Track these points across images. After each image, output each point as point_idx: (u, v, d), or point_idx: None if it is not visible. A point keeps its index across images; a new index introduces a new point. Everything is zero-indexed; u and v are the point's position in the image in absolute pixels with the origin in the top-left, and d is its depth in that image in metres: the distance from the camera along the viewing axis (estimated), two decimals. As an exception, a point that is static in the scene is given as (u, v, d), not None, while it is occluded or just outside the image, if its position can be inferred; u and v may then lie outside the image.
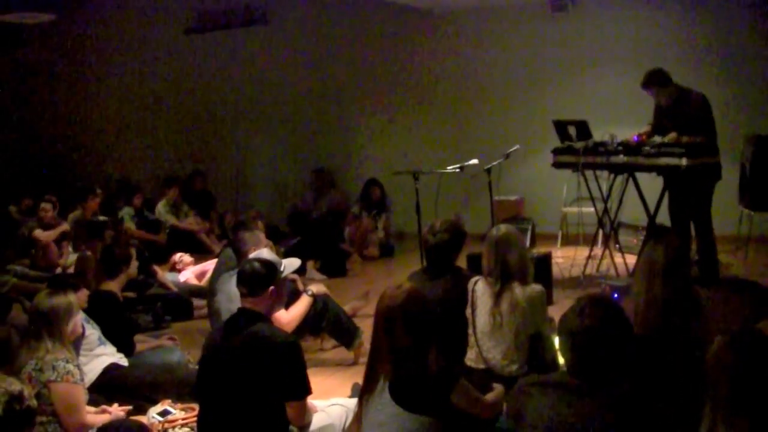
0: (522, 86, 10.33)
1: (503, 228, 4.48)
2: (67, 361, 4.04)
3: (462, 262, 5.49)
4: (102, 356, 4.94)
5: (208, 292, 6.11)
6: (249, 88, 12.00)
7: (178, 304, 7.37)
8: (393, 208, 10.53)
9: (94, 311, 5.11)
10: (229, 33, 11.79)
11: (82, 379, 4.18)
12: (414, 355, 3.21)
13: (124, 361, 5.05)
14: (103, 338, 5.02)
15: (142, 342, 5.63)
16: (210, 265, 7.76)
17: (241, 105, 12.12)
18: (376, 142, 11.32)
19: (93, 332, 4.95)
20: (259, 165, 12.20)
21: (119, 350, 5.10)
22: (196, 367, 4.37)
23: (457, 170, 7.28)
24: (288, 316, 5.18)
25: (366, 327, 5.46)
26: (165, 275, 7.98)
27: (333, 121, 11.58)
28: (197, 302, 7.35)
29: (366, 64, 11.20)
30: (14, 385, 3.09)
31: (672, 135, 6.89)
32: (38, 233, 8.37)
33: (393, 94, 11.13)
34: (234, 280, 4.08)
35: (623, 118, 9.07)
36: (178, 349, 5.59)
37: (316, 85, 11.58)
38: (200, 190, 11.44)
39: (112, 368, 4.92)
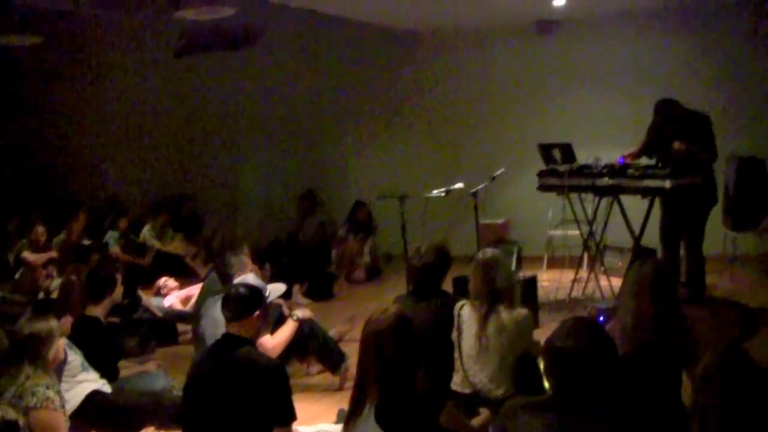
0: (507, 109, 10.38)
1: (490, 251, 4.49)
2: (48, 387, 3.98)
3: (448, 286, 5.47)
4: (84, 382, 4.87)
5: (193, 316, 6.07)
6: (238, 110, 11.98)
7: (163, 329, 7.32)
8: (379, 231, 10.54)
9: (77, 336, 5.05)
10: (218, 55, 11.79)
11: (63, 406, 4.12)
12: (401, 379, 3.19)
13: (107, 388, 4.98)
14: (86, 364, 4.96)
15: (127, 368, 5.58)
16: (195, 289, 7.71)
17: (229, 127, 12.09)
18: (363, 164, 11.33)
19: (75, 358, 4.89)
20: (247, 187, 12.15)
21: (103, 376, 5.04)
22: (181, 393, 4.32)
23: (443, 194, 7.30)
24: (273, 341, 5.16)
25: (352, 351, 5.43)
26: (150, 300, 7.93)
27: (321, 143, 11.58)
28: (182, 327, 7.30)
29: (353, 86, 11.22)
30: (9, 414, 3.05)
31: (676, 144, 6.93)
32: (27, 255, 8.31)
33: (380, 116, 11.15)
34: (219, 304, 4.05)
35: (608, 141, 9.12)
36: (163, 374, 5.53)
37: (305, 108, 11.57)
38: (188, 215, 11.40)
39: (95, 395, 4.84)
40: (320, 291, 8.89)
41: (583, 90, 9.94)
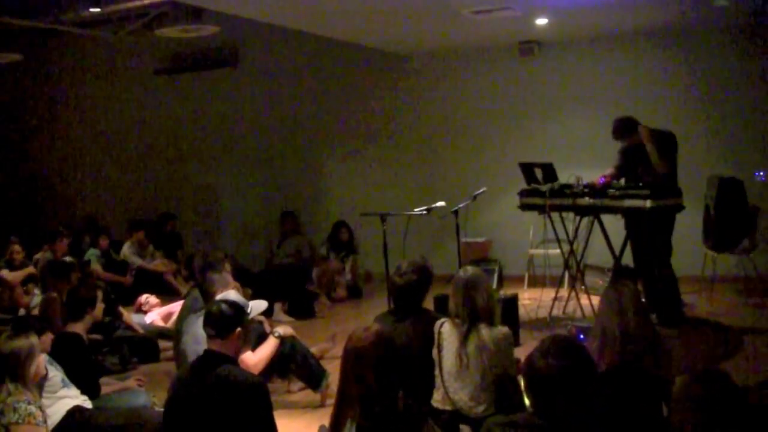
0: (489, 129, 10.44)
1: (471, 270, 4.51)
2: (29, 403, 3.98)
3: (429, 304, 5.49)
4: (65, 399, 4.85)
5: (175, 333, 6.06)
6: (218, 130, 12.03)
7: (145, 346, 7.30)
8: (360, 249, 10.56)
9: (58, 353, 5.03)
10: (198, 74, 11.84)
11: (45, 422, 4.12)
12: (382, 396, 3.20)
13: (88, 404, 4.96)
14: (66, 380, 4.93)
15: (108, 384, 5.56)
16: (176, 306, 7.70)
17: (210, 146, 12.12)
18: (345, 183, 11.35)
19: (56, 374, 4.87)
20: (228, 206, 12.18)
21: (84, 393, 5.02)
22: (162, 409, 4.31)
23: (425, 212, 7.32)
24: (255, 358, 5.16)
25: (333, 369, 5.43)
26: (131, 317, 7.91)
27: (302, 162, 11.60)
28: (163, 344, 7.29)
29: (335, 105, 11.27)
30: None
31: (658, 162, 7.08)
32: (5, 273, 8.32)
33: (361, 135, 11.19)
34: (201, 321, 4.06)
35: (589, 161, 9.19)
36: (144, 391, 5.52)
37: (286, 127, 11.62)
38: (169, 232, 11.39)
39: (75, 411, 4.82)
40: (301, 309, 8.88)
41: (564, 111, 10.03)
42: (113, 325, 7.46)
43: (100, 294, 5.66)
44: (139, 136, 12.51)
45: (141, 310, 8.41)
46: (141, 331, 7.64)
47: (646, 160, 7.15)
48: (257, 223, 11.77)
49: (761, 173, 8.98)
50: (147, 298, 8.56)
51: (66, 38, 11.94)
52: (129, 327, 7.61)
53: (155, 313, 8.25)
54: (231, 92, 11.79)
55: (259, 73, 11.57)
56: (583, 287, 8.19)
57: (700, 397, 2.61)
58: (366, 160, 11.20)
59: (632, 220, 7.29)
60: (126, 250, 10.46)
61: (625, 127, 7.31)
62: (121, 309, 7.85)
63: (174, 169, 12.37)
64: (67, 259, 8.83)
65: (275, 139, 11.69)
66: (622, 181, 7.36)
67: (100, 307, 5.65)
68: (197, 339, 4.76)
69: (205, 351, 3.85)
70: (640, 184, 7.08)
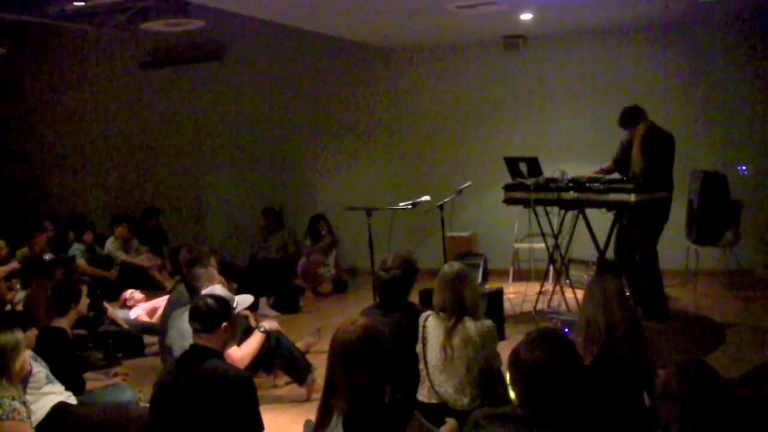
0: (474, 123, 10.45)
1: (456, 265, 4.54)
2: (14, 399, 3.95)
3: (414, 298, 5.50)
4: (50, 395, 4.83)
5: (160, 328, 6.05)
6: (203, 124, 11.98)
7: (130, 341, 7.29)
8: (346, 244, 10.56)
9: (43, 348, 5.01)
10: (184, 68, 11.78)
11: (29, 417, 4.09)
12: (369, 390, 3.20)
13: (72, 400, 4.94)
14: (51, 376, 4.91)
15: (93, 380, 5.54)
16: (161, 301, 7.68)
17: (195, 140, 12.07)
18: (330, 178, 11.33)
19: (40, 370, 4.85)
20: (213, 200, 12.14)
21: (68, 388, 5.00)
22: (148, 405, 4.30)
23: (410, 206, 7.34)
24: (241, 353, 5.16)
25: (319, 363, 5.46)
26: (116, 312, 7.88)
27: (288, 156, 11.57)
28: (148, 339, 7.28)
29: (320, 100, 11.24)
30: None
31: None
32: (-10, 269, 8.29)
33: (347, 130, 11.17)
34: (186, 316, 4.05)
35: (574, 155, 9.24)
36: (129, 387, 5.51)
37: (271, 121, 11.58)
38: (154, 227, 11.36)
39: (60, 407, 4.80)
40: (287, 304, 8.88)
41: (549, 105, 10.05)
42: (98, 320, 7.44)
43: (84, 289, 5.64)
44: (123, 130, 12.43)
45: (126, 306, 8.38)
46: (126, 326, 7.61)
47: (646, 156, 7.17)
48: (242, 218, 11.73)
49: (744, 168, 9.04)
50: (132, 294, 8.54)
51: (50, 32, 11.85)
52: (114, 322, 7.58)
53: (140, 308, 8.22)
54: (216, 87, 11.74)
55: (244, 68, 11.53)
56: (567, 281, 8.24)
57: (685, 389, 2.62)
58: (351, 154, 11.19)
59: (619, 214, 7.31)
60: (110, 244, 10.42)
61: (627, 117, 7.27)
62: (106, 304, 7.82)
63: (159, 163, 12.31)
64: (48, 256, 8.78)
65: (261, 133, 11.66)
66: (615, 175, 7.35)
67: (84, 302, 5.63)
68: (183, 334, 4.74)
69: (191, 346, 3.84)
70: (624, 178, 7.11)
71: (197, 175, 12.16)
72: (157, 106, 12.18)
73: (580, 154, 9.19)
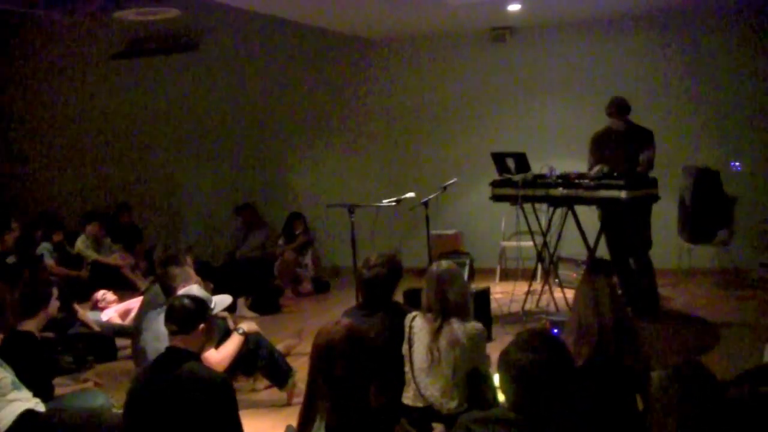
0: (460, 118, 10.46)
1: (444, 264, 4.53)
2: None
3: (399, 298, 5.50)
4: (16, 402, 4.76)
5: (134, 331, 6.01)
6: (178, 117, 11.91)
7: (101, 345, 7.23)
8: (327, 242, 10.55)
9: (9, 353, 4.96)
10: (157, 59, 11.70)
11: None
12: (353, 394, 3.19)
13: (41, 407, 4.87)
14: (17, 382, 4.85)
15: (62, 386, 5.49)
16: (135, 302, 7.64)
17: (170, 134, 12.01)
18: (311, 174, 11.31)
19: (6, 376, 4.79)
20: (190, 197, 12.07)
21: (36, 394, 4.94)
22: (121, 411, 4.28)
23: (393, 203, 7.35)
24: (219, 356, 5.14)
25: (300, 366, 5.45)
26: (87, 314, 7.82)
27: (267, 151, 11.55)
28: (121, 342, 7.23)
29: (300, 93, 11.23)
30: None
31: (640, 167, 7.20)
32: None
33: (328, 124, 11.16)
34: (161, 318, 4.02)
35: (563, 150, 9.27)
36: (102, 392, 5.47)
37: (249, 115, 11.56)
38: (126, 224, 11.29)
39: (27, 415, 4.74)
40: (266, 304, 8.86)
41: (537, 99, 10.07)
42: (67, 322, 7.38)
43: (54, 291, 5.59)
44: (95, 123, 12.31)
45: (97, 307, 8.32)
46: (97, 328, 7.56)
47: (629, 153, 7.20)
48: (220, 215, 11.69)
49: (737, 163, 9.09)
50: (104, 294, 8.47)
51: (20, 20, 11.74)
52: (84, 324, 7.53)
53: (112, 309, 8.17)
54: (191, 79, 11.69)
55: (221, 59, 11.49)
56: (556, 280, 8.27)
57: (680, 392, 2.63)
58: (333, 149, 11.18)
59: (608, 212, 7.33)
60: (80, 243, 10.34)
61: (612, 106, 7.40)
62: (77, 306, 7.76)
63: (132, 158, 12.22)
64: (11, 259, 8.71)
65: (238, 127, 11.63)
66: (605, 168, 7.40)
67: (54, 304, 5.57)
68: (158, 336, 4.73)
69: (167, 348, 3.82)
70: (615, 174, 7.13)
71: (173, 170, 12.09)
72: (129, 99, 12.09)
73: (569, 149, 9.20)
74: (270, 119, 11.46)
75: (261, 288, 9.09)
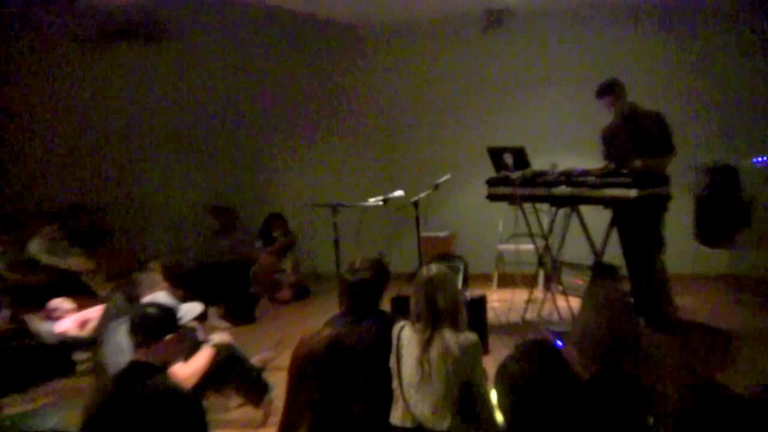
0: (454, 110, 10.49)
1: (435, 268, 4.52)
2: None
3: (386, 306, 5.49)
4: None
5: (94, 343, 5.99)
6: (148, 111, 11.85)
7: (56, 359, 7.20)
8: (308, 245, 10.53)
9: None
10: (123, 48, 11.62)
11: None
12: (335, 411, 3.19)
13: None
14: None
15: (13, 405, 5.47)
16: (95, 311, 7.60)
17: (138, 129, 11.94)
18: (292, 172, 11.33)
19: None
20: (159, 197, 12.01)
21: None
22: None
23: (381, 203, 7.33)
24: (187, 370, 5.11)
25: (278, 381, 5.43)
26: (40, 324, 7.78)
27: (242, 148, 11.56)
28: (79, 356, 7.19)
29: (281, 85, 11.25)
30: None
31: (638, 162, 7.03)
32: None
33: (311, 118, 11.18)
34: (124, 328, 4.02)
35: (566, 145, 9.29)
36: (55, 411, 5.44)
37: (224, 108, 11.55)
38: (85, 226, 11.23)
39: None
40: (240, 313, 8.86)
41: (537, 90, 10.10)
42: (18, 334, 7.34)
43: (6, 299, 5.57)
44: (55, 116, 12.21)
45: (51, 317, 8.27)
46: (52, 340, 7.52)
47: (632, 143, 7.19)
48: (192, 216, 11.63)
49: (765, 159, 9.07)
50: (59, 303, 8.42)
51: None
52: (37, 336, 7.49)
53: (69, 319, 8.11)
54: (166, 68, 11.63)
55: (198, 48, 11.44)
56: (559, 287, 8.23)
57: (694, 411, 2.63)
58: (316, 145, 11.20)
59: (618, 213, 7.33)
60: (34, 246, 10.26)
61: (608, 87, 7.34)
62: (28, 315, 7.72)
63: (99, 153, 12.11)
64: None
65: (213, 122, 11.61)
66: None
67: (5, 314, 5.56)
68: (120, 349, 4.70)
69: (130, 362, 3.81)
70: (623, 170, 7.12)
71: (140, 168, 12.03)
72: (98, 90, 11.98)
73: (572, 144, 9.22)
74: (248, 113, 11.47)
75: (235, 295, 9.08)
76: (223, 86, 11.48)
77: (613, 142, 7.43)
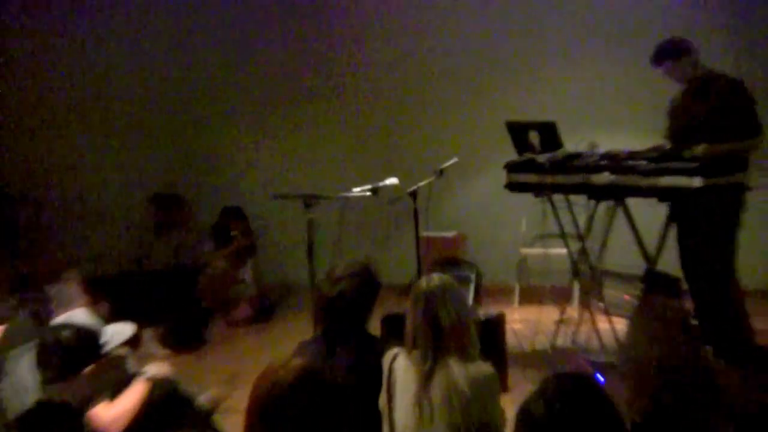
0: (463, 76, 10.52)
1: (437, 278, 4.49)
2: None
3: (375, 327, 5.48)
4: None
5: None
6: (76, 84, 11.88)
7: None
8: (271, 248, 10.54)
9: None
10: (50, 11, 11.65)
11: None
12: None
13: None
14: None
15: None
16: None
17: (64, 108, 11.96)
18: (256, 156, 11.36)
19: None
20: (85, 187, 12.03)
21: None
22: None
23: (368, 194, 7.30)
24: (114, 412, 5.07)
25: (233, 426, 5.40)
26: None
27: (194, 129, 11.63)
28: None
29: (242, 51, 11.28)
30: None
31: (701, 147, 6.95)
32: None
33: (280, 90, 11.24)
34: (29, 358, 3.97)
35: (608, 120, 9.31)
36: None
37: (170, 82, 11.62)
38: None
39: None
40: (185, 336, 8.84)
41: (569, 50, 10.10)
42: None
43: None
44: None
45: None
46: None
47: (703, 119, 7.06)
48: (126, 212, 11.73)
49: None
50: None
51: None
52: None
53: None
54: (97, 34, 11.66)
55: (137, 8, 11.47)
56: (600, 304, 8.23)
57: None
58: (287, 123, 11.28)
59: (676, 208, 7.29)
60: None
61: (669, 50, 7.20)
62: None
63: (12, 138, 12.15)
64: None
65: (155, 98, 11.67)
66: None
67: None
68: (23, 385, 4.66)
69: (38, 402, 3.77)
70: (685, 154, 7.07)
71: (66, 153, 12.05)
72: (13, 61, 12.02)
73: (617, 118, 9.21)
74: (200, 87, 11.52)
75: (178, 312, 9.05)
76: (170, 54, 11.53)
77: (677, 120, 7.38)
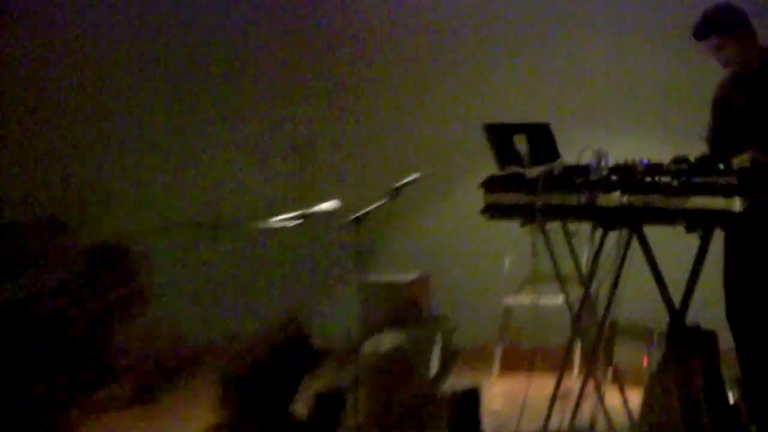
0: (427, 69, 10.64)
1: (389, 341, 4.36)
2: None
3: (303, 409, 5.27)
4: None
5: None
6: None
7: None
8: (160, 298, 10.37)
9: None
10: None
11: None
12: None
13: None
14: None
15: None
16: None
17: None
18: (146, 174, 11.23)
19: None
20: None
21: None
22: None
23: (298, 222, 7.11)
24: None
25: None
26: None
27: (75, 137, 11.54)
28: None
29: (138, 42, 11.35)
30: None
31: (746, 156, 6.81)
32: None
33: (184, 90, 11.25)
34: None
35: (620, 122, 9.33)
36: None
37: (36, 80, 11.58)
38: None
39: None
40: (29, 426, 8.60)
41: (570, 35, 10.23)
42: None
43: None
44: None
45: None
46: None
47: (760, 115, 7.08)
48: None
49: None
50: None
51: None
52: None
53: None
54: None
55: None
56: (610, 368, 8.09)
57: None
58: (191, 128, 11.24)
59: (709, 238, 7.15)
60: None
61: (716, 22, 7.09)
62: None
63: None
64: None
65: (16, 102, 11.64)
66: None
67: None
68: None
69: None
70: (722, 165, 6.93)
71: None
72: None
73: (631, 120, 9.17)
74: (83, 87, 11.49)
75: (20, 389, 8.84)
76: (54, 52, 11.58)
77: (722, 117, 7.28)
